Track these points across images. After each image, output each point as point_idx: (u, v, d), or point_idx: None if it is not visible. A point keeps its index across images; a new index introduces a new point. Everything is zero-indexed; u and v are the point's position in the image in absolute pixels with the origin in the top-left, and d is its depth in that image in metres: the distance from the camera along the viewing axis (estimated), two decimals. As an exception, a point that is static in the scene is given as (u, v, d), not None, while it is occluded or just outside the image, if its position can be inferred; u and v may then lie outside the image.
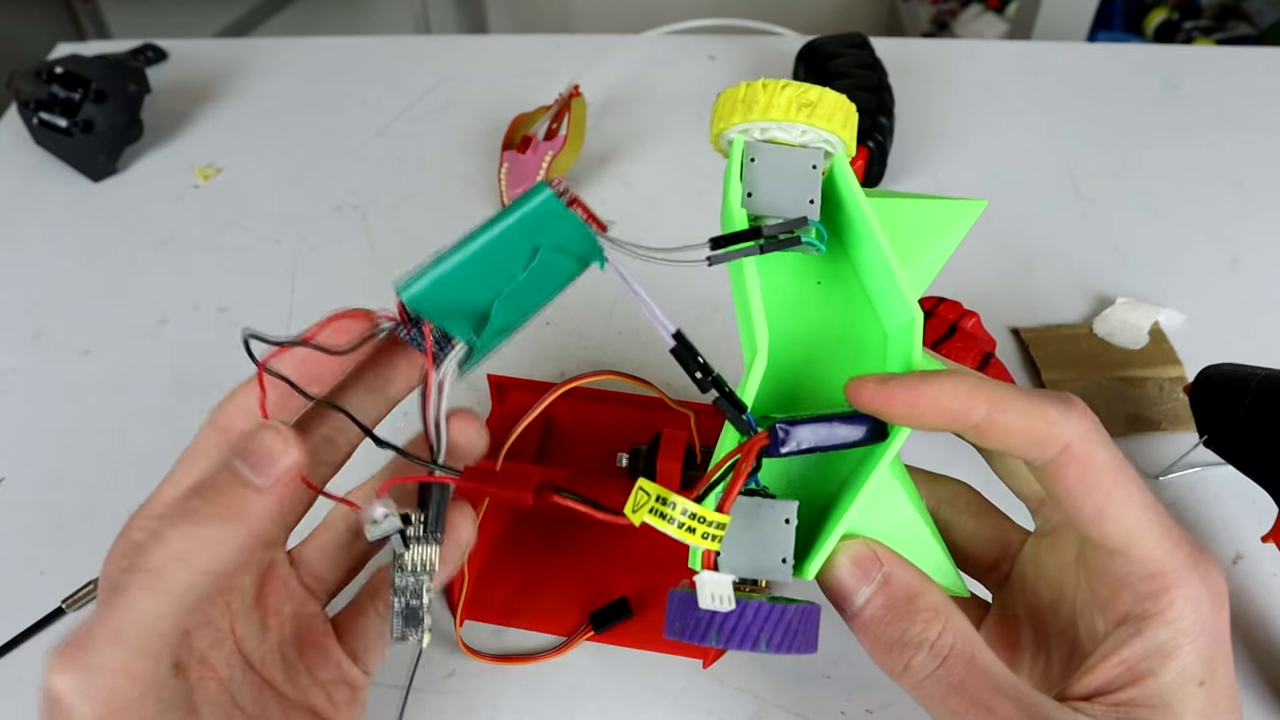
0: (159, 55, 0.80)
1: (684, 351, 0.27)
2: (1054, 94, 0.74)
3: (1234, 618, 0.42)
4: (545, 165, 0.62)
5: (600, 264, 0.29)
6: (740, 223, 0.28)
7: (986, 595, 0.33)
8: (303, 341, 0.27)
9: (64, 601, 0.43)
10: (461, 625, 0.41)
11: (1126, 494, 0.26)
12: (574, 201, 0.29)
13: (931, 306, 0.51)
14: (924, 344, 0.49)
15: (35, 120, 0.66)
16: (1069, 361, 0.52)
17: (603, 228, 0.29)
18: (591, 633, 0.41)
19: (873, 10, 1.92)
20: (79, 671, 0.24)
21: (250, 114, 0.75)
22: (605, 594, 0.42)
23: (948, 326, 0.50)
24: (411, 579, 0.30)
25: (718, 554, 0.26)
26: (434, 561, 0.30)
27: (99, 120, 0.65)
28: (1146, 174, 0.66)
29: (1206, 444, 0.43)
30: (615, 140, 0.70)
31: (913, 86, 0.72)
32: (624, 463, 0.40)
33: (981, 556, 0.33)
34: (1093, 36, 1.41)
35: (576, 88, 0.66)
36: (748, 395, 0.27)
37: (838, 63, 0.67)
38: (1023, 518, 0.33)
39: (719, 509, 0.25)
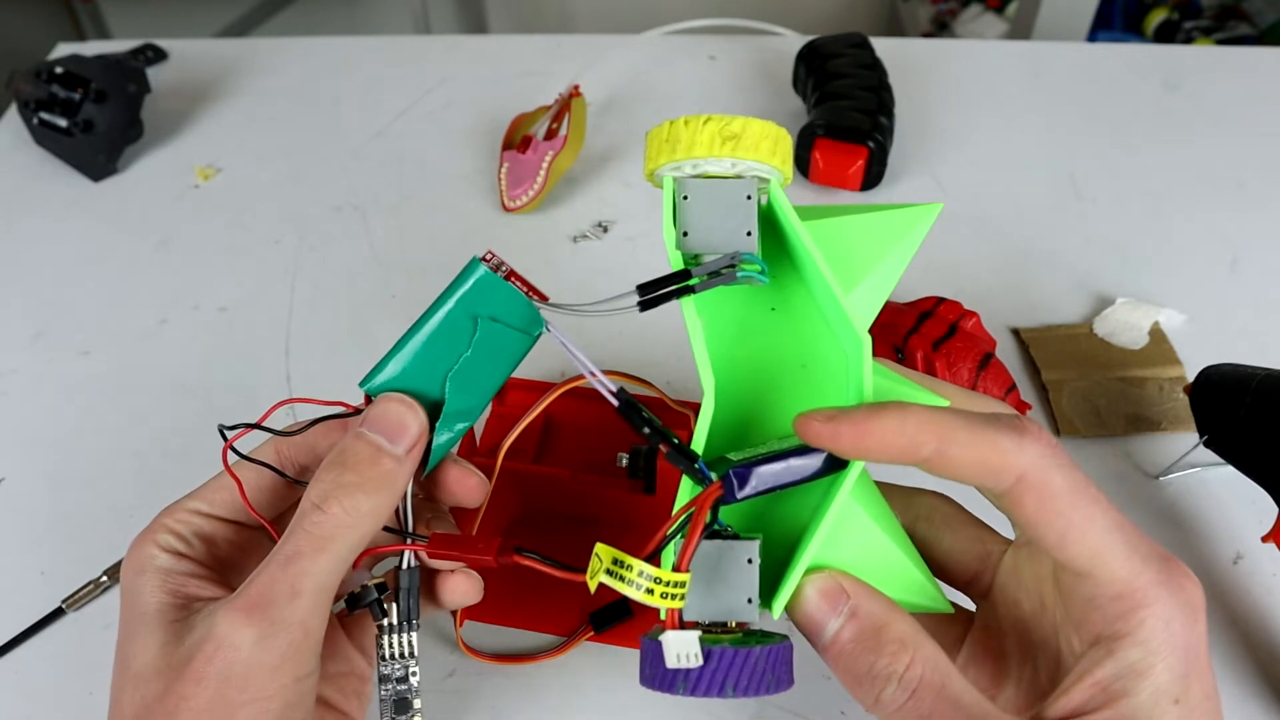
0: (159, 55, 0.80)
1: (629, 410, 0.27)
2: (1054, 94, 0.74)
3: (1234, 619, 0.42)
4: (545, 165, 0.62)
5: (541, 330, 0.30)
6: (676, 263, 0.27)
7: (970, 605, 0.33)
8: (258, 425, 0.30)
9: (64, 601, 0.43)
10: (461, 625, 0.41)
11: (1088, 517, 0.26)
12: (510, 275, 0.29)
13: (931, 306, 0.51)
14: (925, 344, 0.49)
15: (35, 120, 0.66)
16: (1069, 361, 0.52)
17: (544, 298, 0.29)
18: (591, 633, 0.41)
19: (873, 10, 1.92)
20: (265, 624, 0.27)
21: (250, 114, 0.75)
22: (605, 594, 0.42)
23: (948, 326, 0.50)
24: (397, 665, 0.31)
25: (682, 611, 0.26)
26: (414, 646, 0.31)
27: (99, 120, 0.65)
28: (1146, 174, 0.66)
29: (1206, 444, 0.43)
30: (615, 140, 0.70)
31: (913, 86, 0.72)
32: (624, 463, 0.40)
33: (962, 569, 0.32)
34: (1093, 36, 1.41)
35: (576, 88, 0.66)
36: (699, 443, 0.27)
37: (838, 63, 0.67)
38: (1004, 526, 0.32)
39: (676, 567, 0.25)
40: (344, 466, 0.29)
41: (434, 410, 0.30)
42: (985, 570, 0.32)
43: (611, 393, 0.27)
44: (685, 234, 0.27)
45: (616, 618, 0.41)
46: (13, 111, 0.72)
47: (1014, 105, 0.72)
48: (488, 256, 0.29)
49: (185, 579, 0.30)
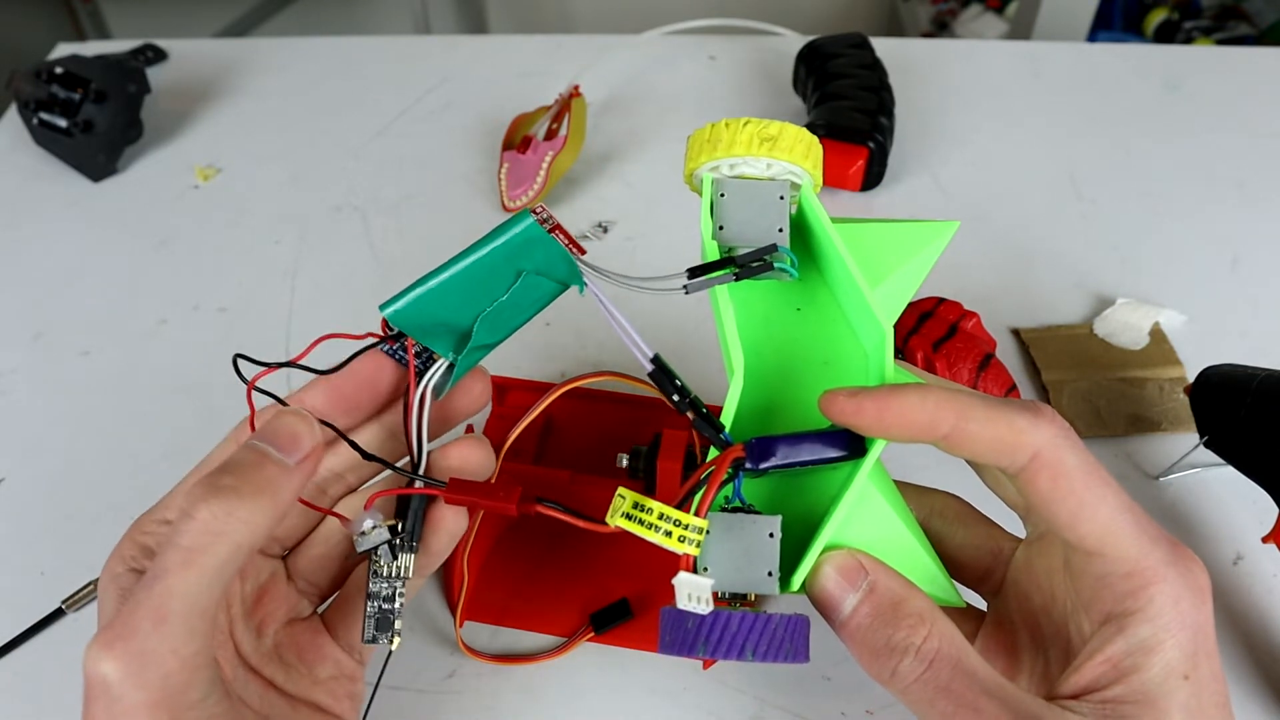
0: (159, 55, 0.80)
1: (662, 375, 0.28)
2: (1054, 94, 0.74)
3: (1235, 619, 0.42)
4: (545, 165, 0.62)
5: (580, 288, 0.30)
6: (714, 255, 0.29)
7: (982, 604, 0.34)
8: (290, 363, 0.29)
9: (64, 601, 0.43)
10: (461, 626, 0.41)
11: (1099, 497, 0.26)
12: (556, 228, 0.30)
13: (932, 307, 0.51)
14: (925, 344, 0.49)
15: (35, 120, 0.66)
16: (1069, 362, 0.52)
17: (582, 251, 0.30)
18: (592, 634, 0.41)
19: (873, 10, 1.92)
20: (128, 658, 0.24)
21: (250, 114, 0.75)
22: (606, 595, 0.42)
23: (948, 327, 0.50)
24: (385, 584, 0.31)
25: (697, 558, 0.27)
26: (409, 568, 0.31)
27: (99, 120, 0.65)
28: (1146, 174, 0.66)
29: (1207, 444, 0.43)
30: (615, 140, 0.70)
31: (913, 86, 0.72)
32: (624, 463, 0.40)
33: (974, 565, 0.33)
34: (1093, 36, 1.41)
35: (576, 88, 0.66)
36: (727, 417, 0.28)
37: (838, 63, 0.67)
38: (1014, 526, 0.33)
39: (695, 514, 0.26)
40: (222, 470, 0.26)
41: (458, 337, 0.30)
42: (997, 566, 0.32)
43: (646, 356, 0.28)
44: (721, 228, 0.29)
45: (616, 618, 0.41)
46: (13, 111, 0.72)
47: (1014, 105, 0.72)
48: (538, 210, 0.30)
49: None
